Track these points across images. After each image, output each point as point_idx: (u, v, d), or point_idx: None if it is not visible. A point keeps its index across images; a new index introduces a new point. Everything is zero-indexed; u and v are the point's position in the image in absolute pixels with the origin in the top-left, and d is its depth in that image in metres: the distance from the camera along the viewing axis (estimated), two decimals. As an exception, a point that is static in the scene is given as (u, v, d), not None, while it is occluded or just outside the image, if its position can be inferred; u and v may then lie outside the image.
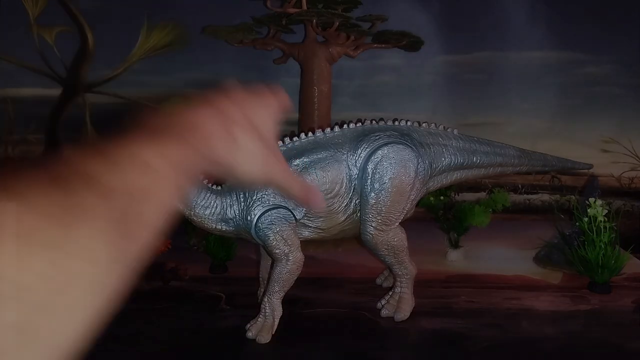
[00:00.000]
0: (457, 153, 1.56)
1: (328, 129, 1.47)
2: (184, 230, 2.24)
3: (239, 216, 1.41)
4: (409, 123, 1.54)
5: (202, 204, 1.38)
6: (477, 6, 2.62)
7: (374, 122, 1.51)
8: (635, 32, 2.59)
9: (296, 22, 2.18)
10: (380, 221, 1.41)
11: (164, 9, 2.68)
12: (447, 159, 1.55)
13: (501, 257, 2.13)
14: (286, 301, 1.48)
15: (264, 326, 1.41)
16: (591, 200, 1.78)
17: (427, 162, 1.49)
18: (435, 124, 1.57)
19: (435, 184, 1.59)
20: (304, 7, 2.06)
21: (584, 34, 2.62)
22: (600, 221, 1.75)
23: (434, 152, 1.52)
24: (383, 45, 2.26)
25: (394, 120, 1.53)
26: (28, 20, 2.71)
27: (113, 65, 2.75)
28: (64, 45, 2.73)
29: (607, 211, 1.76)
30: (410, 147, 1.44)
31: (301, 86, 2.25)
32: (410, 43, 2.24)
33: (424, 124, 1.55)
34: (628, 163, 2.66)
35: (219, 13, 2.58)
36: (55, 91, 2.78)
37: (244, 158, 0.52)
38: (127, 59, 2.74)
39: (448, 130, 1.59)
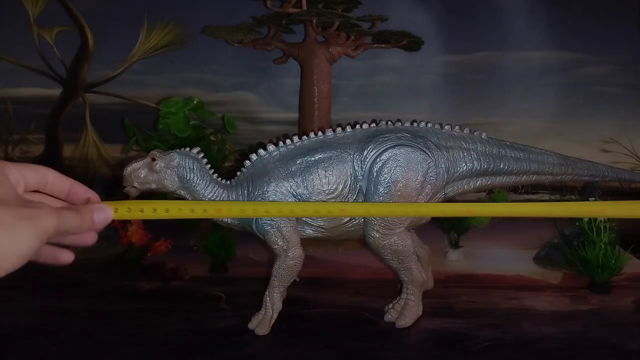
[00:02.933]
0: (481, 158, 1.49)
1: (339, 129, 1.47)
2: (184, 230, 2.24)
3: None
4: (428, 125, 1.49)
5: (209, 197, 1.40)
6: (477, 6, 2.62)
7: (389, 123, 1.48)
8: (635, 32, 2.59)
9: (296, 22, 2.18)
10: (383, 225, 1.40)
11: (164, 9, 2.68)
12: (468, 164, 1.48)
13: (501, 257, 2.13)
14: (286, 301, 1.49)
15: (264, 318, 1.45)
16: (591, 200, 1.78)
17: (442, 166, 1.44)
18: (460, 126, 1.51)
19: (455, 189, 1.51)
20: (304, 7, 2.06)
21: (584, 34, 2.62)
22: (600, 221, 1.76)
23: (452, 156, 1.46)
24: (383, 45, 2.26)
25: (412, 122, 1.49)
26: (28, 20, 2.71)
27: (113, 65, 2.75)
28: (64, 45, 2.74)
29: (607, 211, 1.76)
30: (422, 150, 1.40)
31: (301, 86, 2.25)
32: (410, 43, 2.24)
33: (446, 126, 1.49)
34: (628, 163, 2.67)
35: (218, 13, 2.58)
36: (55, 91, 2.78)
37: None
38: (127, 59, 2.74)
39: (475, 133, 1.52)
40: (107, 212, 0.64)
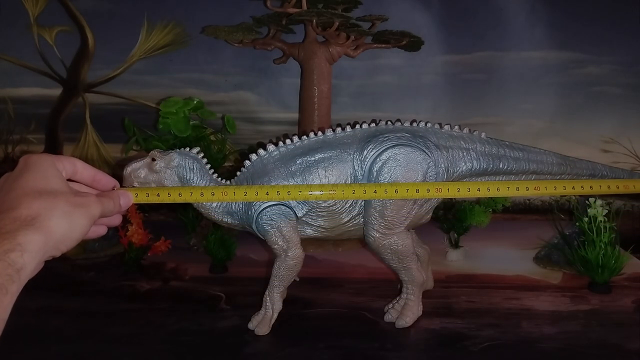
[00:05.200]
0: (481, 158, 1.49)
1: (339, 129, 1.47)
2: (184, 230, 2.24)
3: (242, 210, 1.43)
4: (428, 125, 1.49)
5: None
6: (477, 6, 2.62)
7: (389, 122, 1.48)
8: (635, 32, 2.59)
9: (296, 22, 2.18)
10: (383, 225, 1.40)
11: (164, 9, 2.68)
12: (467, 164, 1.48)
13: (501, 257, 2.13)
14: (286, 301, 1.49)
15: (264, 318, 1.45)
16: (591, 200, 1.78)
17: (442, 166, 1.44)
18: (460, 126, 1.51)
19: None
20: (304, 7, 2.06)
21: (584, 34, 2.62)
22: (600, 221, 1.75)
23: (452, 156, 1.46)
24: (383, 45, 2.26)
25: (412, 122, 1.49)
26: (28, 20, 2.71)
27: (113, 65, 2.75)
28: (64, 45, 2.74)
29: (607, 211, 1.77)
30: (421, 149, 1.40)
31: (301, 86, 2.25)
32: (410, 43, 2.24)
33: (446, 126, 1.49)
34: (628, 163, 2.66)
35: (219, 13, 2.58)
36: (55, 91, 2.78)
37: (58, 223, 0.61)
38: (127, 59, 2.74)
39: (474, 133, 1.52)
40: (129, 197, 0.78)
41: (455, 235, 2.10)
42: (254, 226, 1.42)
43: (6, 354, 1.35)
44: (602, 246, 1.74)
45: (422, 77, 2.72)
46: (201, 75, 2.75)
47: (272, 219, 1.40)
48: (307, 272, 1.59)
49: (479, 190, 1.00)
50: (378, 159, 1.39)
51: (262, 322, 1.45)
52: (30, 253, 0.57)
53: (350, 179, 1.41)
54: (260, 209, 1.40)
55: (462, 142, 1.49)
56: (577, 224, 1.83)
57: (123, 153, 2.48)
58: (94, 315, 1.60)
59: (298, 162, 1.42)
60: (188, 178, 1.39)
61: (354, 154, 1.42)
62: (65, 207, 0.62)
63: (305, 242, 1.48)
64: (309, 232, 1.47)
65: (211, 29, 2.21)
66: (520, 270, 1.96)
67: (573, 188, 1.03)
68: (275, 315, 1.46)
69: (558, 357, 1.33)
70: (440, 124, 1.51)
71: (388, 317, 1.52)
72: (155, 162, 1.35)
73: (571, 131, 2.70)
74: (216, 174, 1.45)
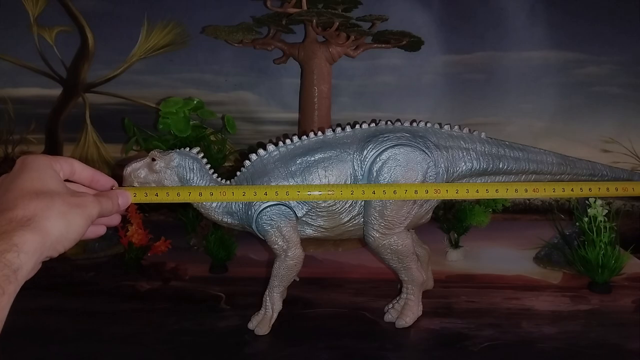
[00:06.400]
0: (481, 158, 1.49)
1: (339, 129, 1.47)
2: (184, 230, 2.24)
3: (242, 210, 1.43)
4: (428, 125, 1.49)
5: None
6: (477, 6, 2.62)
7: (389, 122, 1.48)
8: (635, 32, 2.59)
9: (296, 22, 2.18)
10: (382, 225, 1.40)
11: (164, 9, 2.68)
12: (467, 164, 1.48)
13: (501, 257, 2.13)
14: (286, 301, 1.49)
15: (264, 318, 1.45)
16: (591, 200, 1.78)
17: (442, 166, 1.43)
18: (460, 126, 1.51)
19: None
20: (304, 7, 2.06)
21: (584, 34, 2.62)
22: (600, 221, 1.76)
23: (452, 156, 1.46)
24: (383, 45, 2.26)
25: (411, 122, 1.49)
26: (28, 20, 2.71)
27: (113, 65, 2.75)
28: (64, 45, 2.74)
29: (607, 211, 1.77)
30: (421, 149, 1.40)
31: (301, 86, 2.25)
32: (411, 43, 2.24)
33: (446, 126, 1.49)
34: (628, 163, 2.66)
35: (218, 13, 2.58)
36: (55, 91, 2.78)
37: (54, 224, 0.60)
38: (127, 59, 2.74)
39: (474, 133, 1.52)
40: (127, 197, 0.78)
41: (455, 235, 2.10)
42: (253, 226, 1.42)
43: (6, 354, 1.35)
44: (602, 246, 1.74)
45: (422, 77, 2.72)
46: (201, 75, 2.75)
47: (271, 219, 1.40)
48: (307, 272, 1.59)
49: (477, 191, 1.00)
50: (378, 159, 1.39)
51: (262, 322, 1.45)
52: (27, 254, 0.57)
53: (350, 179, 1.41)
54: (260, 209, 1.40)
55: (462, 142, 1.49)
56: (577, 224, 1.83)
57: (123, 153, 2.48)
58: (94, 315, 1.60)
59: (298, 162, 1.42)
60: (188, 178, 1.39)
61: (353, 154, 1.42)
62: (62, 208, 0.62)
63: (305, 242, 1.48)
64: (309, 232, 1.48)
65: (211, 29, 2.21)
66: (520, 270, 1.96)
67: (572, 190, 1.03)
68: (275, 315, 1.46)
69: (558, 357, 1.33)
70: (440, 124, 1.51)
71: (388, 317, 1.52)
72: (155, 162, 1.36)
73: (571, 131, 2.70)
74: (216, 174, 1.45)
